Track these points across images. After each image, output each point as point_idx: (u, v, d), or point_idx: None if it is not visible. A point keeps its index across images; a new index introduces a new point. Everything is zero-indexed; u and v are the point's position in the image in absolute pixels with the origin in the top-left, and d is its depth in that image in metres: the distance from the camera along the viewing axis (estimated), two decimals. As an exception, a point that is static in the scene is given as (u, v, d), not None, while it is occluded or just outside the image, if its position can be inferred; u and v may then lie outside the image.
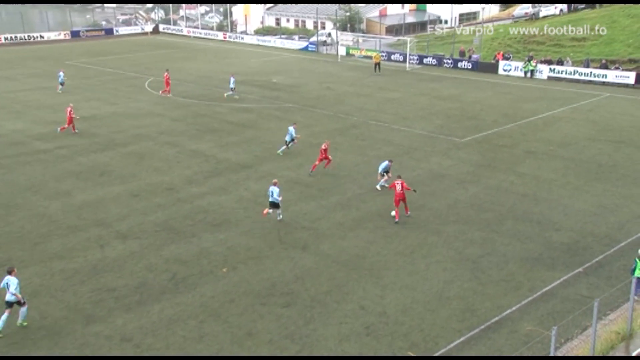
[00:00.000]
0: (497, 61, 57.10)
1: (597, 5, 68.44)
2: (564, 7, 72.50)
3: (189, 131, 36.49)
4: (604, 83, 50.57)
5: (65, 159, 31.35)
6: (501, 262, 20.61)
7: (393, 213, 23.85)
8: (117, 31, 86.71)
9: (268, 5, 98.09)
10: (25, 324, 17.01)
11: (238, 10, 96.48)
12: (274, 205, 23.38)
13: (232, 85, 45.03)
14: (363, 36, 73.83)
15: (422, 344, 16.27)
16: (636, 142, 34.28)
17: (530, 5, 76.19)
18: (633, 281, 16.54)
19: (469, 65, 58.29)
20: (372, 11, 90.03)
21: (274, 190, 23.19)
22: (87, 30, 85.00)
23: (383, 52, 63.03)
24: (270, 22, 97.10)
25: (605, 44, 57.76)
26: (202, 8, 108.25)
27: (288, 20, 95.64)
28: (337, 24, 76.88)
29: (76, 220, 23.92)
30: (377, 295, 18.59)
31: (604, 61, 53.13)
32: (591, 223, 23.70)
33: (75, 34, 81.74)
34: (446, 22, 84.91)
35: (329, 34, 74.11)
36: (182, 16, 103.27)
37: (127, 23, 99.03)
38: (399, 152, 31.75)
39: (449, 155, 31.92)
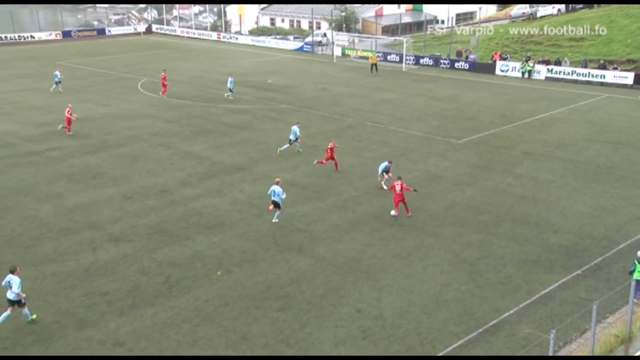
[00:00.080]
0: (495, 61, 56.99)
1: (595, 5, 68.39)
2: (562, 7, 72.50)
3: (183, 132, 36.22)
4: (602, 83, 50.48)
5: (57, 160, 31.04)
6: (499, 264, 20.45)
7: (393, 212, 23.80)
8: (109, 31, 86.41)
9: (263, 5, 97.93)
10: (34, 316, 17.18)
11: (232, 10, 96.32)
12: (276, 204, 23.26)
13: (230, 86, 44.73)
14: (359, 36, 73.75)
15: (419, 347, 16.13)
16: (634, 143, 34.15)
17: (527, 5, 76.14)
18: (632, 283, 16.42)
19: (466, 66, 58.18)
20: (367, 11, 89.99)
21: (276, 189, 23.02)
22: (78, 30, 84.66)
23: (379, 52, 62.86)
24: (265, 22, 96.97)
25: (604, 44, 57.70)
26: (196, 8, 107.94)
27: (283, 20, 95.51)
28: (333, 24, 76.77)
29: (68, 223, 23.64)
30: (374, 298, 18.41)
31: (602, 61, 53.06)
32: (589, 225, 23.55)
33: (66, 34, 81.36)
34: (443, 22, 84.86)
35: (325, 34, 73.97)
36: (176, 16, 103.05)
37: (119, 23, 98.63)
38: (396, 154, 31.53)
39: (446, 157, 31.73)
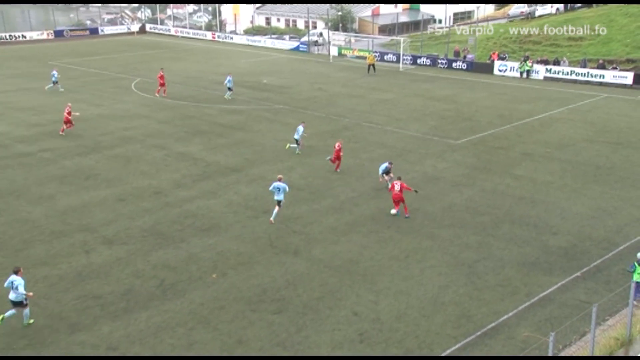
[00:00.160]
0: (493, 61, 56.80)
1: (594, 5, 68.30)
2: (561, 6, 72.41)
3: (177, 133, 35.92)
4: (601, 83, 50.31)
5: (49, 162, 30.70)
6: (497, 266, 20.26)
7: (393, 211, 23.76)
8: (102, 31, 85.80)
9: (258, 5, 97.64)
10: (31, 321, 17.00)
11: (227, 9, 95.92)
12: (278, 203, 23.13)
13: (230, 85, 44.40)
14: (355, 36, 73.47)
15: (417, 350, 15.98)
16: (634, 144, 33.99)
17: (526, 4, 76.04)
18: (632, 286, 16.32)
19: (464, 66, 57.99)
20: (364, 10, 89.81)
21: (281, 185, 22.80)
22: (71, 30, 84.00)
23: (376, 52, 62.63)
24: (260, 21, 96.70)
25: (603, 44, 57.55)
26: (190, 7, 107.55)
27: (278, 20, 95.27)
28: (329, 24, 76.51)
29: (60, 225, 23.33)
30: (371, 301, 18.20)
31: (601, 61, 52.92)
32: (589, 226, 23.37)
33: (58, 34, 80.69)
34: (440, 21, 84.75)
35: (321, 34, 73.72)
36: (170, 15, 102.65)
37: (112, 22, 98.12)
38: (393, 155, 31.29)
39: (444, 158, 31.53)
